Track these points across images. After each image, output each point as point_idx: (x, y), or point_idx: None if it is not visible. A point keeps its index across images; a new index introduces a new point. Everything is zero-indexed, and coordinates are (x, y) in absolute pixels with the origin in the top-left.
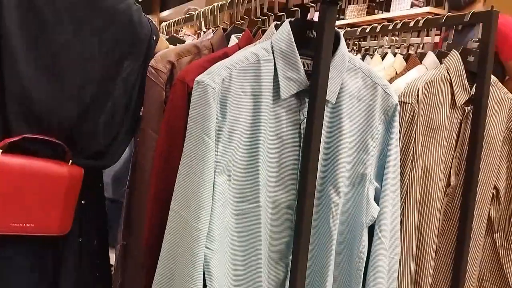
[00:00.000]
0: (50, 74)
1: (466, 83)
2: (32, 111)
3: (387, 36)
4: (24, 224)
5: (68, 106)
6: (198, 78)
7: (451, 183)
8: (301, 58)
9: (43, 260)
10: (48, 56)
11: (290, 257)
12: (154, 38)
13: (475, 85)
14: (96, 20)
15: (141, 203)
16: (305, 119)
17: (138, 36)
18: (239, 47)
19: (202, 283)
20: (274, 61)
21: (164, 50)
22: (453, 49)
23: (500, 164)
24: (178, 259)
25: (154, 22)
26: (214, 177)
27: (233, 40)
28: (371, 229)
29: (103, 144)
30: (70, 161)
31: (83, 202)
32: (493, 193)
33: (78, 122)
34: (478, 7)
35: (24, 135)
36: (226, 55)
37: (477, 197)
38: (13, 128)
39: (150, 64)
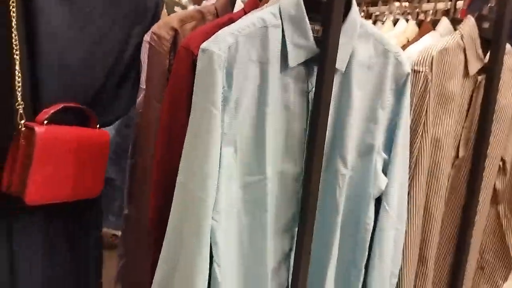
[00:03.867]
0: (80, 42)
1: (480, 51)
2: (64, 77)
3: (399, 2)
4: (72, 191)
5: (94, 73)
6: (203, 45)
7: (460, 155)
8: (310, 23)
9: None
10: (77, 26)
11: (296, 229)
12: (159, 4)
13: (488, 53)
14: None
15: (145, 174)
16: (313, 88)
17: (147, 5)
18: (244, 12)
19: (208, 253)
20: (282, 26)
21: (167, 16)
22: (469, 15)
23: (508, 135)
24: (185, 230)
25: None
26: (221, 148)
27: (239, 4)
28: (378, 200)
29: (106, 102)
30: (98, 126)
31: None
32: (499, 164)
33: (99, 88)
34: None
35: (64, 104)
36: (231, 21)
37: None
38: (43, 96)
39: (152, 30)
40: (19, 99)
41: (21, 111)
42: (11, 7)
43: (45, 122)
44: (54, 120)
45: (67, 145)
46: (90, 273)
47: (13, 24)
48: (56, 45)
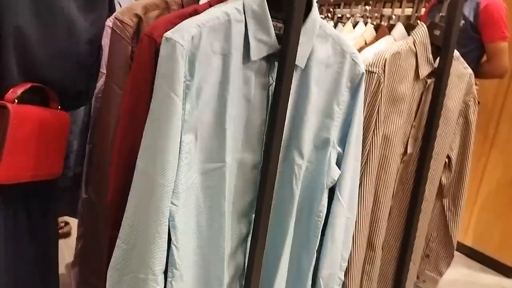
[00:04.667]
0: (43, 21)
1: (430, 56)
2: (27, 56)
3: (361, 5)
4: (38, 170)
5: (57, 52)
6: (167, 34)
7: (408, 151)
8: (272, 21)
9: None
10: (41, 5)
11: (253, 215)
12: None
13: (438, 58)
14: None
15: (104, 159)
16: (274, 82)
17: None
18: (210, 5)
19: (166, 235)
20: (246, 22)
21: (130, 3)
22: (421, 22)
23: (455, 135)
24: (144, 214)
25: None
26: (181, 135)
27: None
28: (332, 191)
29: (80, 87)
30: (59, 107)
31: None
32: (445, 161)
33: (64, 68)
34: None
35: (32, 84)
36: (196, 12)
37: (431, 164)
38: (5, 75)
39: (115, 16)
40: None
41: None
42: None
43: (16, 101)
44: (21, 99)
45: (35, 125)
46: (50, 256)
47: None
48: (17, 21)
